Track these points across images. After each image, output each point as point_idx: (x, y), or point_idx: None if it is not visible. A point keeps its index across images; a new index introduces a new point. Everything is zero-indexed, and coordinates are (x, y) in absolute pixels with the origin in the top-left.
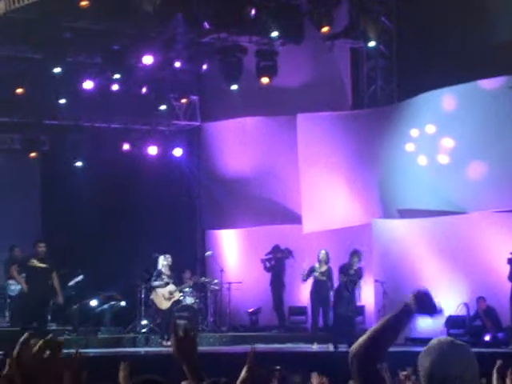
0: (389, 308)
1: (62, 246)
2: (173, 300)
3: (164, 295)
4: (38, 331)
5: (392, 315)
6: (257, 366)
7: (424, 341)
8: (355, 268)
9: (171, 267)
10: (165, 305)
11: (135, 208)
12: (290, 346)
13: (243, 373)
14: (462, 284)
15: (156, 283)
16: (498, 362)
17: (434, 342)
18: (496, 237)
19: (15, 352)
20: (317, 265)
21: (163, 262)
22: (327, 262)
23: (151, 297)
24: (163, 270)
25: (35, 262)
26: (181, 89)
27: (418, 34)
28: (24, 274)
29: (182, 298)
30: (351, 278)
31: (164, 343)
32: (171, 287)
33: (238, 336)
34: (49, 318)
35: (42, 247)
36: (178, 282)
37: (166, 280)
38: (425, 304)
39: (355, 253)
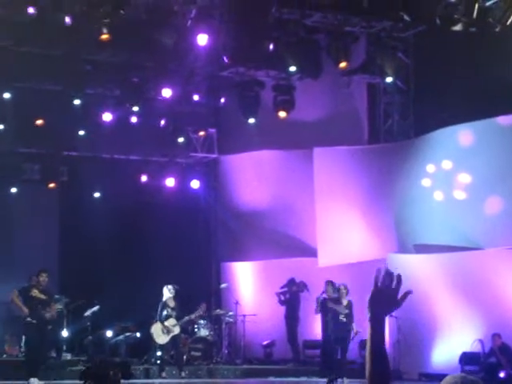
0: (403, 343)
1: (78, 275)
2: (172, 335)
3: (163, 329)
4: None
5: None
6: None
7: (438, 377)
8: (332, 297)
9: (175, 297)
10: (162, 339)
11: (152, 239)
12: (305, 379)
13: None
14: (477, 320)
15: (160, 316)
16: None
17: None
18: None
19: None
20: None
21: (168, 293)
22: (347, 295)
23: (150, 331)
24: (168, 302)
25: (36, 293)
26: (199, 122)
27: (434, 70)
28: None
29: (196, 329)
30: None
31: (163, 375)
32: (171, 321)
33: (253, 369)
34: (63, 348)
35: (43, 277)
36: (182, 314)
37: (169, 313)
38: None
39: (329, 283)
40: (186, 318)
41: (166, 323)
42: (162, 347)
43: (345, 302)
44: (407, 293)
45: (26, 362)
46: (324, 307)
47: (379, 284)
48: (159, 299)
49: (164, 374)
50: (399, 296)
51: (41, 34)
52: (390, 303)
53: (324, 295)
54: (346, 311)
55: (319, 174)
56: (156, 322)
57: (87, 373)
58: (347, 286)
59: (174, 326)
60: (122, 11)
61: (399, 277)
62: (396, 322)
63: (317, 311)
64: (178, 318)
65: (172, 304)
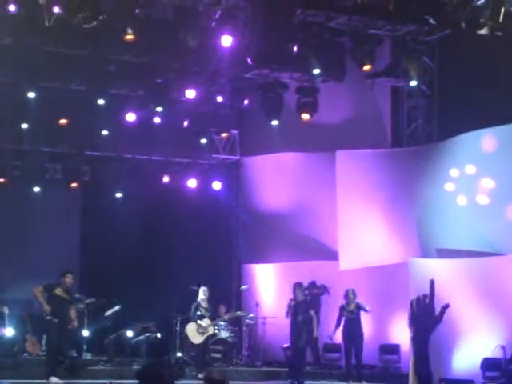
0: None
1: (99, 275)
2: (206, 335)
3: (198, 329)
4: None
5: None
6: None
7: (459, 382)
8: (299, 300)
9: (209, 300)
10: (197, 339)
11: (173, 240)
12: (325, 383)
13: None
14: (499, 326)
15: (194, 316)
16: None
17: None
18: None
19: None
20: (344, 303)
21: (202, 295)
22: (354, 299)
23: (185, 330)
24: (201, 303)
25: (60, 292)
26: (221, 123)
27: (459, 74)
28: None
29: (216, 331)
30: (296, 309)
31: (199, 376)
32: (206, 321)
33: (272, 371)
34: (84, 347)
35: (69, 278)
36: (214, 315)
37: (203, 313)
38: None
39: (297, 285)
40: (220, 318)
41: (201, 323)
42: (194, 347)
43: (352, 306)
44: (444, 307)
45: (46, 361)
46: (295, 311)
47: (415, 309)
48: (180, 300)
49: (186, 375)
50: (437, 312)
51: (65, 33)
52: (430, 322)
53: (292, 301)
54: (353, 316)
55: (341, 176)
56: (190, 321)
57: (143, 373)
58: (355, 290)
59: (208, 326)
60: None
61: (432, 284)
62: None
63: (287, 315)
64: (211, 319)
65: (205, 305)
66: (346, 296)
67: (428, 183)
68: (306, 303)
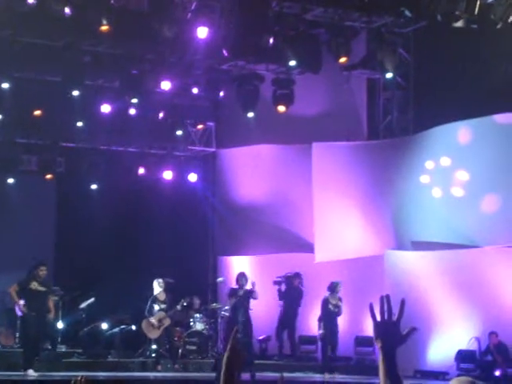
0: None
1: (74, 267)
2: (162, 328)
3: (153, 324)
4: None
5: None
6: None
7: (433, 374)
8: (245, 289)
9: (166, 290)
10: (154, 333)
11: (148, 232)
12: (300, 375)
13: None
14: (474, 318)
15: (147, 312)
16: None
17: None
18: (509, 271)
19: None
20: (329, 296)
21: (158, 288)
22: (338, 292)
23: (142, 327)
24: (158, 296)
25: (36, 285)
26: (197, 115)
27: (435, 67)
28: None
29: (192, 323)
30: (241, 299)
31: (158, 368)
32: (158, 316)
33: None
34: (58, 339)
35: (43, 270)
36: (172, 305)
37: (160, 306)
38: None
39: (242, 275)
40: (174, 309)
41: (154, 318)
42: (156, 341)
43: (336, 300)
44: (412, 330)
45: (23, 353)
46: (237, 304)
47: (379, 319)
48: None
49: (159, 368)
50: (404, 332)
51: (40, 24)
52: (395, 339)
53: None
54: (336, 310)
55: (317, 169)
56: (145, 317)
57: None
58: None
59: (163, 318)
60: None
61: (402, 303)
62: None
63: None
64: (166, 311)
65: (163, 297)
66: (334, 288)
67: (403, 175)
68: (246, 296)
